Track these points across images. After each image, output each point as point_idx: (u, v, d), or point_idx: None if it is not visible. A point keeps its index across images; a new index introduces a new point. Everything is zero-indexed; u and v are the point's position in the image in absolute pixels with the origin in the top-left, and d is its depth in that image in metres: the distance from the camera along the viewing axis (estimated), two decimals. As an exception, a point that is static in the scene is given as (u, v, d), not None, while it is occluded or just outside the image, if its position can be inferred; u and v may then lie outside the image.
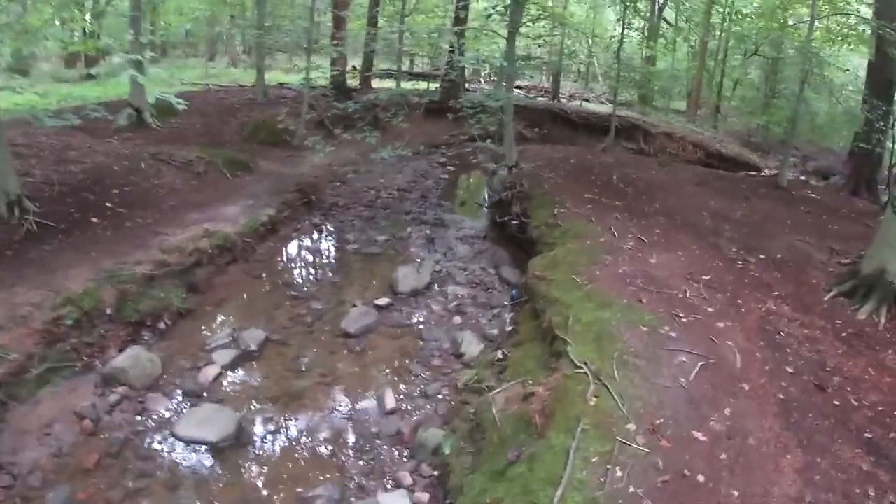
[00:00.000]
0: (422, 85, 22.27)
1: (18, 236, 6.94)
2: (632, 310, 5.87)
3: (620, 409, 4.51)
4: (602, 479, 3.90)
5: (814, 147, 20.55)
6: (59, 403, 5.19)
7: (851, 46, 14.32)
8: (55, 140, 9.99)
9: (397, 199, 12.71)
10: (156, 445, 4.97)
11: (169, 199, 9.30)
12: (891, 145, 12.92)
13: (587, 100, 23.40)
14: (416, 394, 6.00)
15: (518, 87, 21.98)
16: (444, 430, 5.29)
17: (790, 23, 14.89)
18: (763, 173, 16.05)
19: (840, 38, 13.39)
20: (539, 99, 21.90)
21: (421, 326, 7.32)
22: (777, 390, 5.24)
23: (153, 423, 5.23)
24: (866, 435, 4.85)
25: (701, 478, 4.06)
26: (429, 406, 5.80)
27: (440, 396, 5.94)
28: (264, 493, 4.64)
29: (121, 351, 5.87)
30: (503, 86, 12.06)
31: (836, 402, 5.23)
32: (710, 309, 6.23)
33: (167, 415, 5.34)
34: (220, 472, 4.78)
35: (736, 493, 4.00)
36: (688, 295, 6.39)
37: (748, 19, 18.27)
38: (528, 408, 4.85)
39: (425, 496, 4.71)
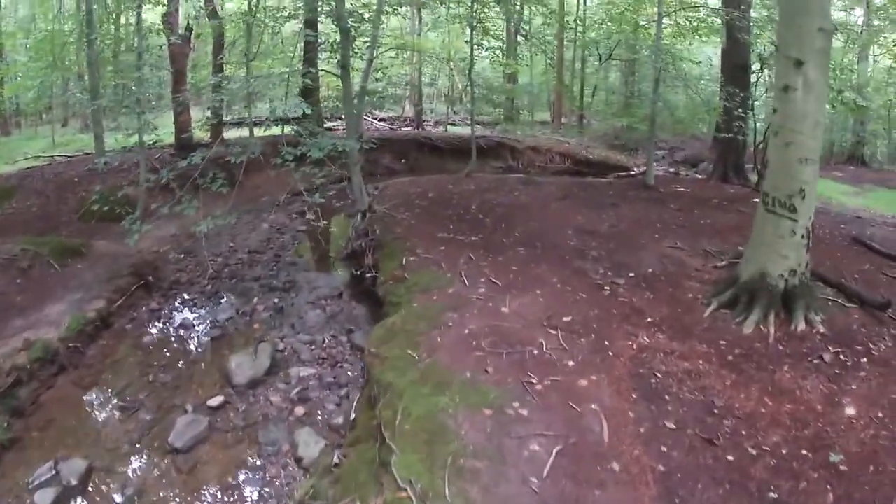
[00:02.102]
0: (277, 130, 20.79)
1: None
2: (474, 388, 4.75)
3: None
4: None
5: (680, 138, 20.84)
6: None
7: (703, 38, 14.49)
8: None
9: (247, 265, 11.28)
10: None
11: (-13, 306, 7.71)
12: (754, 126, 12.85)
13: (453, 123, 22.81)
14: None
15: (382, 120, 21.04)
16: None
17: (642, 23, 14.85)
18: (633, 172, 15.82)
19: (691, 32, 13.43)
20: (404, 129, 21.03)
21: (258, 426, 6.39)
22: (656, 460, 4.25)
23: None
24: (771, 495, 3.94)
25: None
26: None
27: None
28: None
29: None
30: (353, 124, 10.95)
31: (729, 458, 4.34)
32: (570, 363, 5.21)
33: None
34: None
35: None
36: (544, 349, 5.36)
37: (603, 25, 18.25)
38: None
39: None
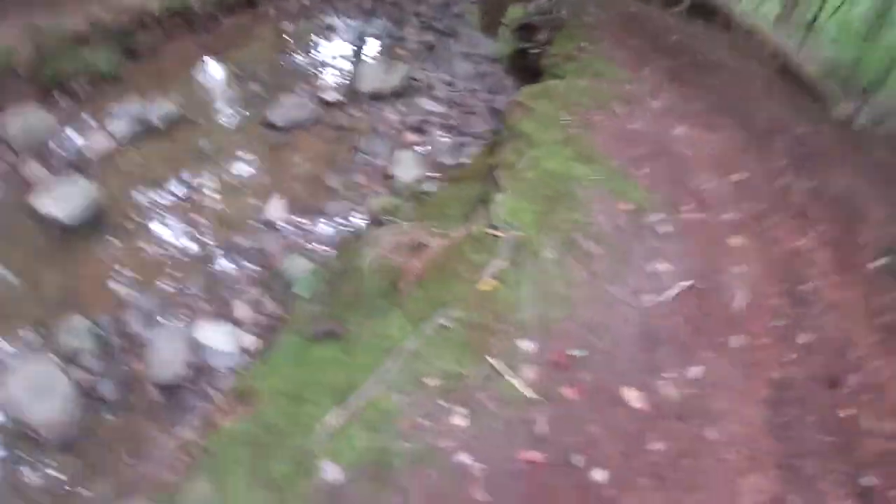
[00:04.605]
0: None
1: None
2: (621, 177, 3.88)
3: (523, 313, 2.68)
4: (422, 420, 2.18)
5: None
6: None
7: None
8: None
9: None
10: (9, 217, 4.37)
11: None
12: None
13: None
14: (312, 211, 4.93)
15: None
16: (316, 265, 4.17)
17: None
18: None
19: None
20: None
21: (362, 134, 6.01)
22: (776, 364, 3.42)
23: (15, 193, 4.53)
24: (862, 481, 3.15)
25: (599, 477, 2.35)
26: (319, 230, 4.78)
27: (339, 221, 4.87)
28: (89, 284, 4.07)
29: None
30: None
31: (841, 414, 3.46)
32: (726, 216, 4.23)
33: (34, 185, 4.59)
34: (58, 253, 4.22)
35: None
36: (704, 187, 4.36)
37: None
38: (406, 265, 3.05)
39: (250, 340, 3.78)
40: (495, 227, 3.14)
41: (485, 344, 2.60)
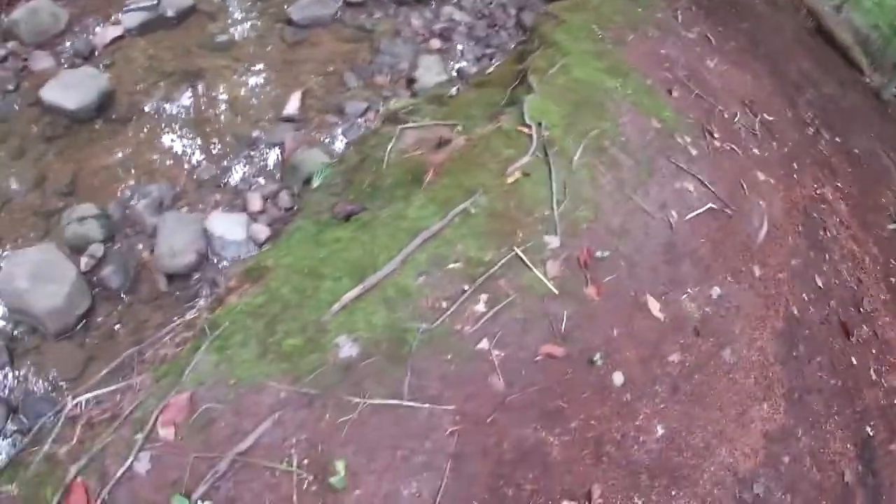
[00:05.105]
0: None
1: None
2: (651, 94, 3.71)
3: (549, 208, 2.55)
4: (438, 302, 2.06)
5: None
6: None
7: None
8: None
9: None
10: (17, 108, 4.28)
11: None
12: None
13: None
14: (329, 107, 4.75)
15: None
16: (331, 158, 3.99)
17: None
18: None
19: None
20: None
21: (385, 35, 5.73)
22: (791, 298, 3.36)
23: (27, 84, 4.43)
24: (868, 429, 3.14)
25: (618, 379, 2.28)
26: (335, 124, 4.60)
27: (356, 118, 4.66)
28: (97, 174, 3.91)
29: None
30: None
31: (853, 360, 3.44)
32: (755, 150, 4.10)
33: (44, 76, 4.43)
34: (67, 142, 4.08)
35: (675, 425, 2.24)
36: (735, 119, 4.20)
37: None
38: (429, 158, 2.88)
39: (265, 232, 3.66)
40: (526, 125, 2.97)
41: (510, 234, 2.47)
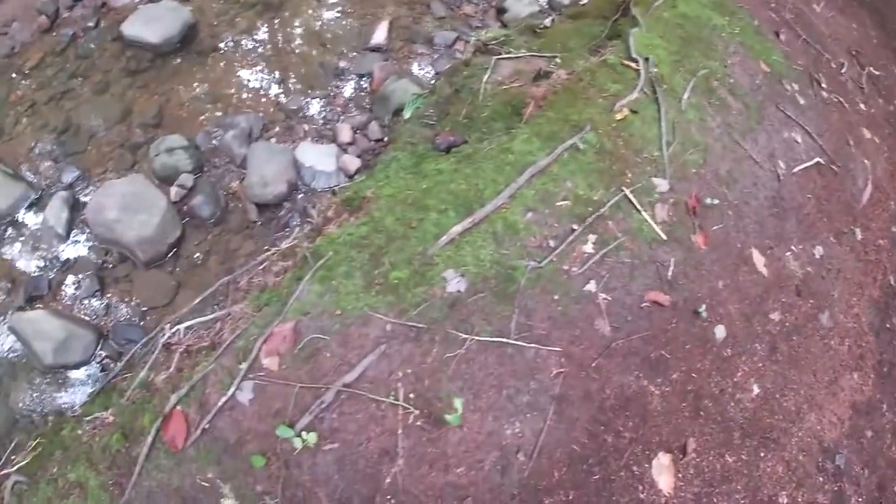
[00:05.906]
0: None
1: None
2: (760, 38, 3.44)
3: (658, 149, 2.39)
4: (548, 240, 1.94)
5: None
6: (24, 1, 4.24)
7: None
8: None
9: None
10: (99, 44, 4.17)
11: None
12: None
13: None
14: (417, 37, 4.49)
15: None
16: (422, 88, 3.75)
17: None
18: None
19: None
20: None
21: None
22: (889, 267, 3.20)
23: (106, 21, 4.31)
24: None
25: (720, 333, 2.17)
26: (424, 55, 4.36)
27: (445, 48, 4.41)
28: (183, 107, 3.84)
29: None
30: None
31: None
32: (861, 105, 3.82)
33: (124, 12, 4.29)
34: (152, 76, 3.99)
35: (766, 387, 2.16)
36: (843, 71, 3.91)
37: None
38: (529, 90, 2.72)
39: (355, 163, 3.52)
40: (632, 59, 2.78)
41: (619, 174, 2.33)
